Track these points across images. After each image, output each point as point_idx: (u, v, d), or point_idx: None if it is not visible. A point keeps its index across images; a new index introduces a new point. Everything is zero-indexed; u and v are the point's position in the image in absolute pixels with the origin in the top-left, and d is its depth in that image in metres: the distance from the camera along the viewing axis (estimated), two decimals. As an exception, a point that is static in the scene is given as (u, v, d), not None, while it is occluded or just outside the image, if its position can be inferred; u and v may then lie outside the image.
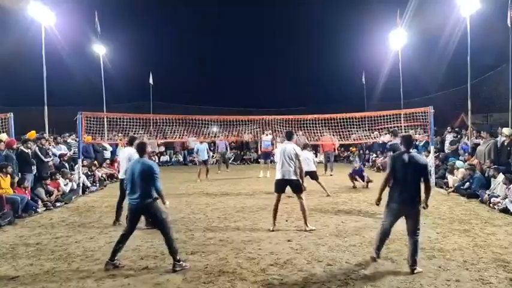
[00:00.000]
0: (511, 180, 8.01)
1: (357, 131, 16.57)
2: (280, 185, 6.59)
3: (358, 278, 4.37)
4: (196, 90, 28.82)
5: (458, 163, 10.96)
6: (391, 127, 14.59)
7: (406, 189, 4.50)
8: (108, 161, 14.69)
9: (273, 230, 6.45)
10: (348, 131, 14.97)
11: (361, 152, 19.60)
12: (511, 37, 11.06)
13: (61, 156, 11.48)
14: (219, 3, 30.12)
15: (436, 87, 23.10)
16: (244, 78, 29.14)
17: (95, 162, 13.08)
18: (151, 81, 24.19)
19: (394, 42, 17.90)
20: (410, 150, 4.68)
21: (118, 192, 7.30)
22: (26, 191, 8.45)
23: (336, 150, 16.79)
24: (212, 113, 23.83)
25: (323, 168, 15.32)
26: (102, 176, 12.86)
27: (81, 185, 10.82)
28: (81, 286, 4.29)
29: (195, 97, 27.53)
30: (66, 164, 11.47)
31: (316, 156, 21.02)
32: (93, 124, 12.55)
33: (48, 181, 9.41)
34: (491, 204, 8.13)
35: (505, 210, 7.56)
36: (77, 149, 12.00)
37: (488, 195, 8.50)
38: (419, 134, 14.44)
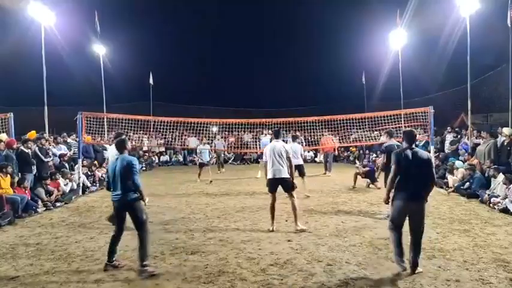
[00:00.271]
0: (511, 180, 8.02)
1: (357, 131, 16.58)
2: (273, 185, 6.55)
3: (358, 278, 4.37)
4: (196, 90, 28.85)
5: (458, 163, 10.96)
6: (391, 127, 14.62)
7: (411, 186, 4.39)
8: (107, 161, 14.68)
9: (272, 230, 6.45)
10: (348, 131, 14.98)
11: (361, 152, 19.59)
12: (511, 37, 11.06)
13: (61, 156, 11.48)
14: (219, 3, 30.16)
15: (436, 87, 23.12)
16: (244, 78, 29.16)
17: (95, 162, 13.08)
18: (151, 81, 24.20)
19: (394, 42, 17.89)
20: (413, 146, 4.59)
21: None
22: (26, 191, 8.45)
23: (336, 151, 16.77)
24: (212, 112, 23.92)
25: (323, 168, 15.35)
26: (102, 176, 12.85)
27: (81, 185, 10.83)
28: (81, 286, 4.29)
29: (195, 97, 27.58)
30: (66, 164, 11.47)
31: (316, 156, 21.21)
32: (93, 124, 12.55)
33: (48, 181, 9.41)
34: (491, 204, 8.13)
35: (505, 210, 7.56)
36: (77, 149, 12.01)
37: (488, 195, 8.50)
38: (419, 134, 14.44)
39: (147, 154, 19.88)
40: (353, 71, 26.46)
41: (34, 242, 6.04)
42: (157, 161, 20.46)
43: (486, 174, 9.57)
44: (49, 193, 9.17)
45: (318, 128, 14.82)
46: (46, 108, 12.93)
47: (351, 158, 20.58)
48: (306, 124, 14.67)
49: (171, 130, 15.80)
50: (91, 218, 7.72)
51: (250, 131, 18.63)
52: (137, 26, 27.49)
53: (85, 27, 19.54)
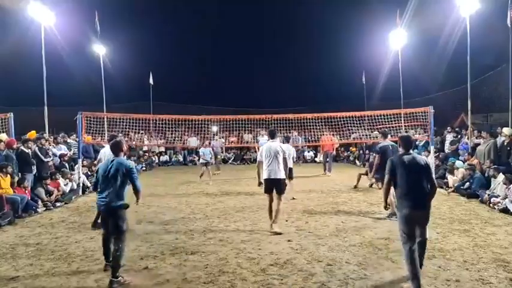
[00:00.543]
0: (511, 180, 8.02)
1: (357, 130, 16.59)
2: (268, 185, 6.50)
3: (358, 278, 4.37)
4: (196, 90, 28.82)
5: (458, 163, 10.96)
6: (391, 127, 14.62)
7: (412, 194, 4.15)
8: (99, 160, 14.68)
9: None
10: (348, 130, 14.97)
11: (361, 152, 19.60)
12: (511, 37, 11.06)
13: (61, 156, 11.49)
14: (219, 3, 30.14)
15: (436, 87, 23.11)
16: (244, 78, 29.14)
17: (95, 162, 13.07)
18: (151, 81, 24.20)
19: (394, 42, 17.90)
20: (411, 151, 4.40)
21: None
22: (26, 191, 8.45)
23: (334, 150, 16.75)
24: (212, 112, 23.89)
25: (322, 168, 15.36)
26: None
27: (81, 185, 10.83)
28: (81, 286, 4.29)
29: (195, 97, 27.53)
30: (66, 164, 11.47)
31: (316, 156, 21.22)
32: (93, 124, 12.55)
33: (48, 181, 9.41)
34: (491, 204, 8.13)
35: (505, 210, 7.56)
36: (76, 149, 12.01)
37: (488, 195, 8.50)
38: (419, 134, 14.45)
39: (147, 154, 19.89)
40: (353, 71, 26.45)
41: (34, 242, 6.03)
42: (157, 161, 20.46)
43: (486, 174, 9.57)
44: (49, 193, 9.17)
45: (317, 126, 14.82)
46: (46, 108, 12.93)
47: (351, 158, 20.60)
48: (305, 122, 14.68)
49: (171, 130, 15.81)
50: (91, 218, 7.68)
51: (250, 131, 18.65)
52: (137, 26, 27.49)
53: (85, 27, 19.56)
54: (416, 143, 15.21)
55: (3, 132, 10.71)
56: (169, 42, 28.88)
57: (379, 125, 14.14)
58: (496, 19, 13.39)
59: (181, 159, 21.37)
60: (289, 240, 5.87)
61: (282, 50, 30.64)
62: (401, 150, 4.47)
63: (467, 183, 9.66)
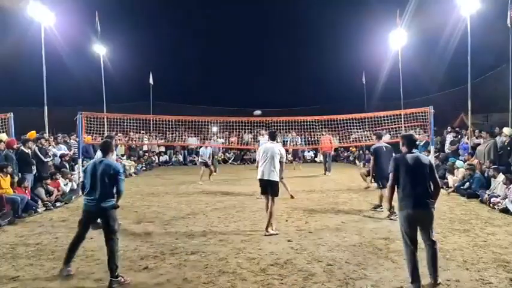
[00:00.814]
0: (511, 180, 8.02)
1: (357, 131, 16.58)
2: (262, 185, 6.48)
3: (358, 278, 4.37)
4: (196, 90, 28.80)
5: (459, 163, 10.96)
6: (391, 128, 14.62)
7: (414, 193, 4.08)
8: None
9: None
10: (348, 131, 14.98)
11: (361, 152, 19.60)
12: (511, 37, 11.06)
13: (62, 156, 11.50)
14: (219, 3, 30.10)
15: (436, 87, 23.08)
16: (244, 78, 29.10)
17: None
18: (151, 81, 24.20)
19: (394, 42, 17.90)
20: (414, 151, 4.30)
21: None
22: (26, 191, 8.44)
23: (333, 150, 16.71)
24: (212, 112, 23.89)
25: (323, 169, 15.37)
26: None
27: (80, 185, 10.82)
28: (81, 286, 4.29)
29: (195, 97, 27.52)
30: (67, 164, 11.48)
31: (316, 156, 21.23)
32: (93, 124, 12.55)
33: (48, 181, 9.41)
34: (491, 204, 8.14)
35: (505, 210, 7.57)
36: (77, 149, 12.01)
37: (488, 195, 8.51)
38: (419, 134, 14.44)
39: (147, 154, 19.89)
40: (353, 71, 26.41)
41: (34, 242, 6.03)
42: (157, 161, 20.47)
43: (486, 174, 9.58)
44: (49, 193, 9.16)
45: (317, 127, 14.84)
46: (46, 108, 12.93)
47: (351, 158, 20.61)
48: (305, 124, 14.69)
49: (171, 130, 15.81)
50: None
51: (250, 132, 18.65)
52: (137, 26, 27.45)
53: (85, 27, 19.53)
54: (417, 143, 15.16)
55: (3, 132, 10.70)
56: (169, 42, 28.86)
57: (379, 126, 14.14)
58: (496, 19, 13.39)
59: (181, 159, 21.38)
60: (289, 240, 5.88)
61: (282, 50, 30.57)
62: (404, 149, 4.36)
63: (467, 183, 9.66)
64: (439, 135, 14.70)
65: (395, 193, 4.36)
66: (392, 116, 13.69)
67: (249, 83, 28.96)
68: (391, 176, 4.31)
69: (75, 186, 10.57)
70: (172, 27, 28.91)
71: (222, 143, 18.52)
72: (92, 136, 13.07)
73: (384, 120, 13.71)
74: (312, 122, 14.53)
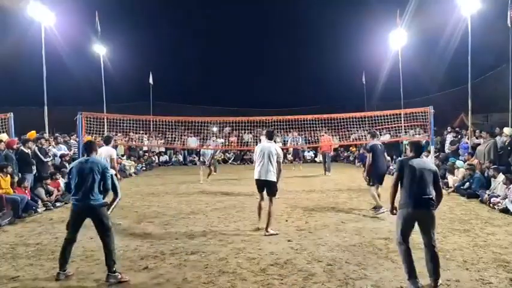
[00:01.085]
0: (511, 180, 8.02)
1: (357, 130, 16.59)
2: (259, 186, 6.48)
3: (358, 278, 4.37)
4: (196, 90, 28.82)
5: (459, 163, 10.96)
6: (391, 127, 14.62)
7: (418, 192, 4.12)
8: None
9: (258, 228, 6.46)
10: (348, 131, 14.98)
11: (361, 152, 19.59)
12: (511, 37, 11.06)
13: (62, 156, 11.51)
14: (219, 3, 30.10)
15: (436, 87, 23.09)
16: (244, 78, 29.11)
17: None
18: (151, 81, 24.19)
19: (394, 42, 17.90)
20: (421, 157, 4.43)
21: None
22: (26, 191, 8.45)
23: (332, 151, 16.72)
24: (212, 112, 23.89)
25: (322, 169, 15.36)
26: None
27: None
28: (81, 286, 4.29)
29: (195, 97, 27.53)
30: (67, 164, 11.47)
31: (316, 156, 21.22)
32: (93, 124, 12.56)
33: (48, 181, 9.41)
34: (491, 204, 8.13)
35: (505, 210, 7.57)
36: (77, 149, 12.01)
37: (488, 195, 8.50)
38: (420, 134, 14.46)
39: (147, 154, 19.90)
40: (353, 71, 26.43)
41: (34, 242, 6.03)
42: (157, 161, 20.47)
43: (486, 174, 9.58)
44: (49, 193, 9.17)
45: (317, 127, 14.84)
46: (46, 108, 12.93)
47: (351, 158, 20.60)
48: (305, 123, 14.69)
49: (171, 130, 15.81)
50: (91, 218, 7.71)
51: (250, 132, 18.65)
52: (137, 26, 27.45)
53: (85, 27, 19.55)
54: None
55: (3, 132, 10.70)
56: (169, 42, 28.86)
57: (379, 125, 14.15)
58: (496, 19, 13.39)
59: (181, 159, 21.38)
60: (289, 240, 5.88)
61: (282, 50, 30.58)
62: (410, 154, 4.43)
63: (467, 183, 9.66)
64: (439, 135, 14.70)
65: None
66: (392, 115, 13.69)
67: (249, 83, 28.96)
68: (395, 175, 4.37)
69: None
70: (172, 27, 28.91)
71: (222, 143, 18.51)
72: (92, 136, 13.06)
73: (384, 119, 13.70)
74: (312, 121, 14.52)
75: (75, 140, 12.98)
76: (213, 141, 17.02)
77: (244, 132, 18.44)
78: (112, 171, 7.41)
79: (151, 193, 10.63)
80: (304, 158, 21.11)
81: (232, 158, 21.72)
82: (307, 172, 15.74)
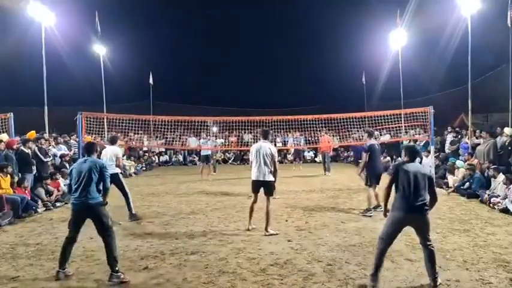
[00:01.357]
0: (511, 180, 8.02)
1: (358, 131, 16.57)
2: (255, 186, 6.45)
3: (358, 278, 4.37)
4: (196, 90, 28.83)
5: (459, 163, 10.96)
6: (391, 127, 14.61)
7: (412, 197, 4.10)
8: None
9: (248, 229, 6.46)
10: (348, 131, 14.98)
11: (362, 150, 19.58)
12: (511, 37, 11.06)
13: (62, 156, 11.50)
14: (219, 3, 30.12)
15: (436, 87, 23.10)
16: (244, 78, 29.12)
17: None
18: (151, 81, 24.19)
19: (394, 42, 17.89)
20: (415, 161, 4.42)
21: (117, 191, 7.46)
22: (26, 191, 8.45)
23: (331, 151, 16.71)
24: (212, 112, 23.88)
25: (322, 169, 15.37)
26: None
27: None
28: (81, 286, 4.29)
29: (195, 97, 27.54)
30: (67, 164, 11.48)
31: (316, 156, 21.22)
32: (93, 124, 12.55)
33: (48, 181, 9.41)
34: (491, 204, 8.13)
35: (505, 210, 7.57)
36: (77, 149, 12.01)
37: (488, 195, 8.50)
38: (420, 134, 14.45)
39: (147, 154, 19.89)
40: (353, 71, 26.43)
41: (34, 242, 6.03)
42: (157, 161, 20.47)
43: (486, 174, 9.58)
44: (49, 193, 9.17)
45: (317, 127, 14.83)
46: (46, 108, 12.93)
47: (351, 159, 20.58)
48: (305, 123, 14.68)
49: (171, 130, 15.79)
50: (91, 218, 7.71)
51: (250, 132, 18.64)
52: (137, 26, 27.47)
53: (85, 27, 19.54)
54: (417, 143, 15.20)
55: (3, 132, 10.69)
56: (169, 42, 28.88)
57: (379, 125, 14.14)
58: (496, 19, 13.39)
59: (181, 159, 21.37)
60: (289, 240, 5.88)
61: (282, 50, 30.60)
62: (405, 159, 4.44)
63: (467, 183, 9.66)
64: (439, 135, 14.70)
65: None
66: (392, 115, 13.68)
67: (249, 83, 28.97)
68: (390, 178, 4.38)
69: (75, 186, 10.56)
70: (172, 27, 28.92)
71: (222, 143, 18.51)
72: (92, 136, 13.06)
73: (384, 119, 13.70)
74: (312, 121, 14.51)
75: (75, 140, 12.98)
76: (212, 141, 17.03)
77: (244, 132, 18.43)
78: (118, 170, 7.52)
79: (151, 193, 10.63)
80: (304, 158, 21.11)
81: (232, 158, 21.72)
82: (307, 172, 15.74)
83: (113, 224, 4.72)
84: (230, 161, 21.52)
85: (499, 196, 8.19)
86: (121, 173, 7.91)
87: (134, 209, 7.63)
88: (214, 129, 19.16)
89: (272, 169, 6.36)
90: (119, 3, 25.72)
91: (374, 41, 21.85)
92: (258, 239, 5.97)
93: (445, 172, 11.34)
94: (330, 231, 6.38)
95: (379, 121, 13.82)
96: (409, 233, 4.63)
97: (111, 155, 7.47)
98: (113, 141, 7.96)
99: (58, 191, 9.49)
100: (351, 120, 14.31)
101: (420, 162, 13.35)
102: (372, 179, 7.75)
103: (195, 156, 20.68)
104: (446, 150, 13.77)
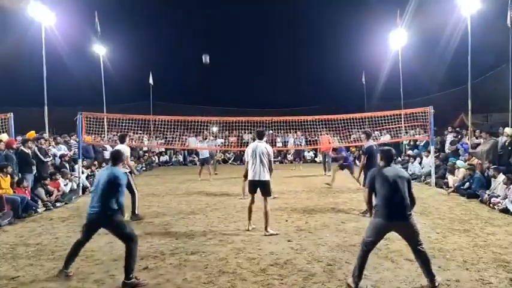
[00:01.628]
0: (511, 180, 8.02)
1: (358, 131, 16.57)
2: (252, 187, 6.46)
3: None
4: (196, 90, 28.83)
5: (460, 163, 10.96)
6: (391, 128, 14.60)
7: (391, 204, 4.03)
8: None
9: (248, 229, 6.46)
10: (348, 131, 14.97)
11: (360, 152, 19.57)
12: (511, 37, 11.06)
13: (62, 156, 11.50)
14: (219, 3, 30.13)
15: (436, 87, 23.10)
16: (244, 78, 29.13)
17: (95, 162, 13.09)
18: (151, 81, 24.19)
19: (394, 42, 17.89)
20: (391, 164, 4.30)
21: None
22: (26, 191, 8.44)
23: (331, 151, 16.71)
24: (212, 112, 23.88)
25: (322, 169, 15.37)
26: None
27: (81, 185, 10.82)
28: (81, 286, 4.29)
29: (195, 97, 27.55)
30: (67, 164, 11.48)
31: (316, 156, 21.21)
32: (93, 124, 12.55)
33: (48, 181, 9.41)
34: (491, 204, 8.13)
35: (505, 210, 7.57)
36: (77, 149, 12.01)
37: (488, 195, 8.50)
38: (420, 134, 14.46)
39: (147, 154, 19.88)
40: (353, 71, 26.43)
41: (34, 242, 6.03)
42: (157, 161, 20.46)
43: (486, 174, 9.58)
44: (49, 193, 9.16)
45: (317, 127, 14.82)
46: (46, 108, 12.93)
47: (351, 159, 20.57)
48: (305, 123, 14.68)
49: (171, 130, 15.78)
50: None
51: (250, 132, 18.63)
52: (137, 26, 27.48)
53: (85, 27, 19.54)
54: (417, 143, 15.21)
55: (3, 132, 10.70)
56: (169, 42, 28.90)
57: (379, 126, 14.13)
58: (496, 19, 13.40)
59: (181, 159, 21.36)
60: (289, 240, 5.88)
61: (282, 50, 30.60)
62: (382, 164, 4.34)
63: (467, 183, 9.66)
64: (439, 135, 14.69)
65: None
66: (392, 116, 13.67)
67: (249, 83, 28.98)
68: (366, 191, 4.30)
69: (75, 187, 10.58)
70: (172, 27, 28.93)
71: (222, 143, 18.50)
72: (92, 136, 13.06)
73: (384, 120, 13.69)
74: (312, 121, 14.51)
75: (75, 140, 12.97)
76: (211, 141, 17.01)
77: (244, 133, 18.42)
78: (126, 169, 7.49)
79: (151, 193, 10.63)
80: (304, 158, 21.10)
81: (232, 158, 21.71)
82: (307, 172, 15.74)
83: (132, 229, 4.59)
84: (230, 161, 21.52)
85: (499, 196, 8.19)
86: (130, 172, 7.84)
87: (137, 209, 7.61)
88: (214, 129, 19.15)
89: (267, 169, 6.37)
90: (118, 3, 25.73)
91: (374, 41, 21.85)
92: (258, 239, 5.97)
93: (445, 172, 11.34)
94: (330, 232, 6.38)
95: (379, 121, 13.81)
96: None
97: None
98: (122, 139, 7.96)
99: (58, 191, 9.49)
100: (351, 120, 14.30)
101: (420, 163, 13.43)
102: None
103: (195, 156, 20.67)
104: (446, 150, 13.77)
